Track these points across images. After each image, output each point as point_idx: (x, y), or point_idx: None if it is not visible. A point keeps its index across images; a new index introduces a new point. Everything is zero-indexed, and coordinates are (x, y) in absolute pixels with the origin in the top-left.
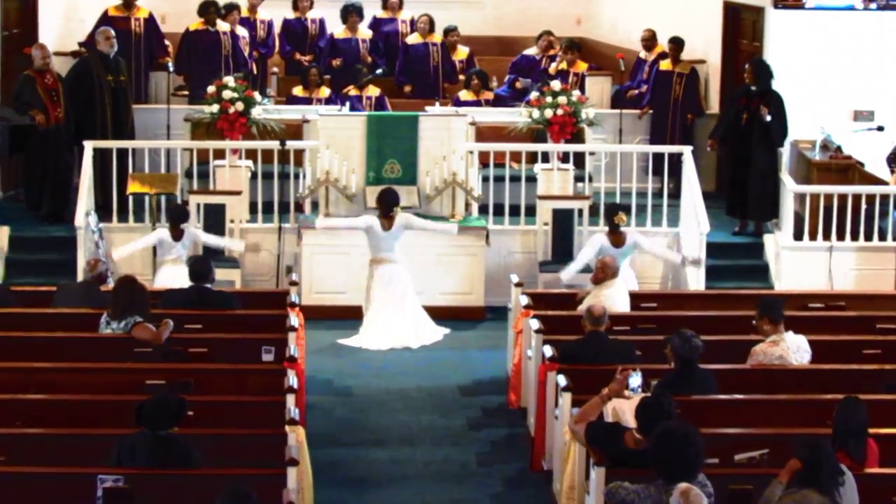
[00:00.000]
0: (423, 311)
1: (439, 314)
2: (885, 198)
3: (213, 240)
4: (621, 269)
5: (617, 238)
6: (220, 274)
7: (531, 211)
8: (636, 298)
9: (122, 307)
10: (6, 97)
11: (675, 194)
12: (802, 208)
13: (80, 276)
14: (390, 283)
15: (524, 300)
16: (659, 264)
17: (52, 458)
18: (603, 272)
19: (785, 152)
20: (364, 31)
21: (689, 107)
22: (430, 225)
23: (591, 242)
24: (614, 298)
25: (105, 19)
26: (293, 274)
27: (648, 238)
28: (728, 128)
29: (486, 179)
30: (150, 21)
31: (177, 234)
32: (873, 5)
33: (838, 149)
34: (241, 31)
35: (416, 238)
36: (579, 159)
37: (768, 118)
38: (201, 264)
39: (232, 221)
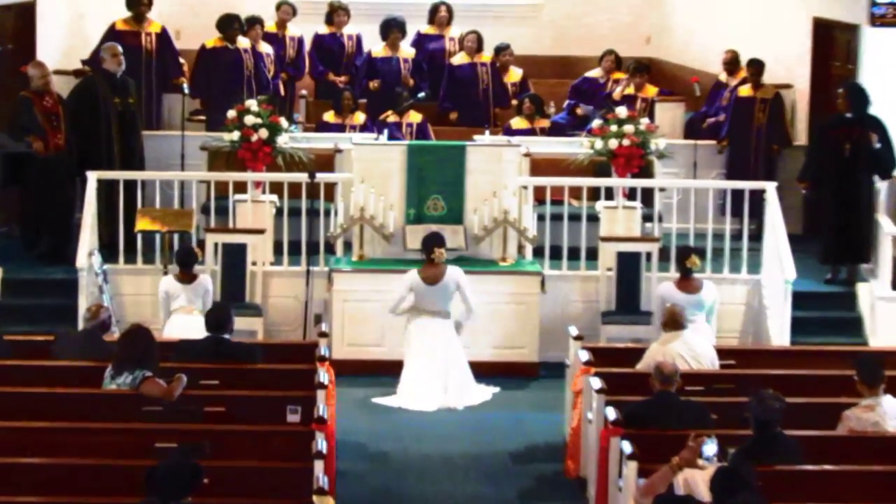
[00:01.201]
0: (469, 367)
1: (487, 370)
2: None
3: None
4: (697, 323)
5: (688, 285)
6: (241, 322)
7: (592, 254)
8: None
9: (128, 359)
10: (0, 122)
11: (757, 237)
12: None
13: (81, 324)
14: (432, 334)
15: (584, 355)
16: (738, 314)
17: None
18: (672, 321)
19: (882, 189)
20: (406, 50)
21: (774, 137)
22: (467, 299)
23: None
24: (695, 350)
25: (112, 34)
26: (323, 323)
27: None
28: (822, 164)
29: (541, 218)
30: (163, 36)
31: (186, 279)
32: None
33: None
34: (266, 49)
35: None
36: (647, 196)
37: (878, 145)
38: (220, 312)
39: (254, 264)
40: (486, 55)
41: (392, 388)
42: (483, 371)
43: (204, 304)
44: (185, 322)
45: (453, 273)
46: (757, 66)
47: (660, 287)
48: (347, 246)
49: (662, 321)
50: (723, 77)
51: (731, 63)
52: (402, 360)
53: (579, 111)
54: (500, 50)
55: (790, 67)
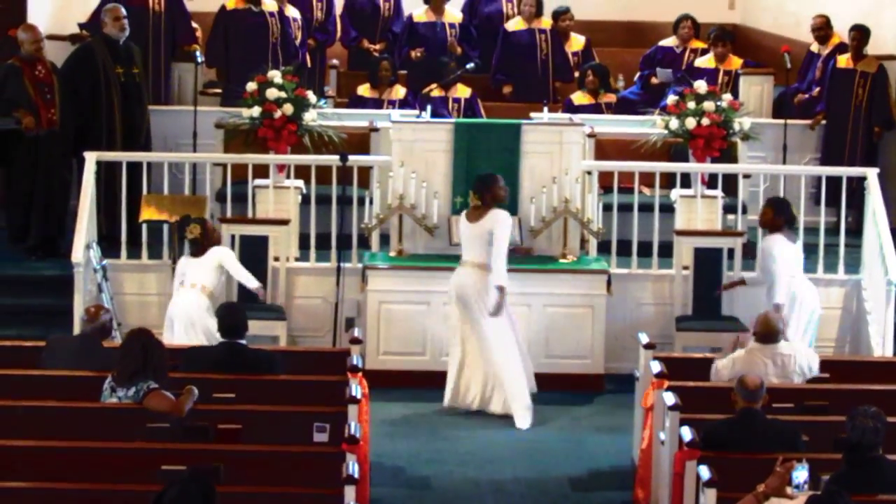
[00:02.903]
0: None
1: (546, 384)
2: None
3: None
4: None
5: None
6: (259, 327)
7: (666, 251)
8: None
9: (131, 369)
10: None
11: (856, 231)
12: None
13: (77, 328)
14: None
15: (656, 367)
16: (834, 320)
17: None
18: (766, 329)
19: None
20: (453, 13)
21: (876, 117)
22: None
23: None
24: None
25: None
26: (355, 328)
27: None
28: None
29: (607, 209)
30: None
31: (200, 254)
32: None
33: None
34: (293, 12)
35: (514, 285)
36: (730, 184)
37: None
38: (234, 314)
39: (276, 259)
40: (546, 20)
41: (435, 405)
42: (540, 384)
43: (219, 281)
44: (178, 301)
45: (494, 216)
46: (860, 34)
47: (766, 240)
48: (384, 239)
49: (754, 329)
50: (815, 47)
51: (822, 29)
52: (446, 371)
53: (655, 80)
54: (559, 14)
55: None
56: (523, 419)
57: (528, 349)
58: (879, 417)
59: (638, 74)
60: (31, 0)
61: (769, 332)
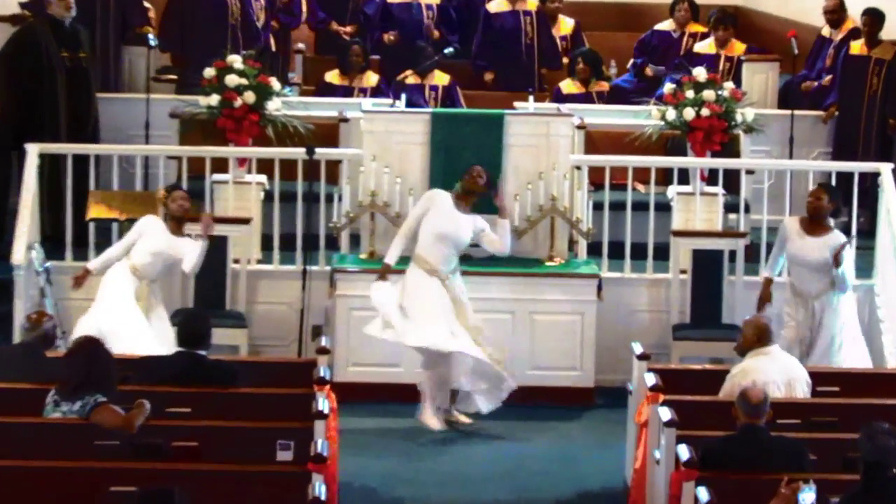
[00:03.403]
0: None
1: (531, 397)
2: None
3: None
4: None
5: (815, 227)
6: (218, 335)
7: (662, 253)
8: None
9: (77, 381)
10: None
11: (869, 232)
12: None
13: (17, 336)
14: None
15: (651, 379)
16: None
17: None
18: (756, 336)
19: None
20: None
21: (891, 107)
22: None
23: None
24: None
25: None
26: (323, 337)
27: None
28: None
29: (598, 207)
30: None
31: (179, 232)
32: None
33: None
34: None
35: (497, 290)
36: (732, 180)
37: None
38: (193, 322)
39: (237, 262)
40: (533, 2)
41: (412, 418)
42: (526, 398)
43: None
44: (117, 277)
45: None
46: (874, 18)
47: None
48: (355, 240)
49: (744, 331)
50: (826, 31)
51: (835, 12)
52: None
53: (648, 72)
54: None
55: None
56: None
57: (512, 360)
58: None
59: (631, 62)
60: None
61: (763, 335)
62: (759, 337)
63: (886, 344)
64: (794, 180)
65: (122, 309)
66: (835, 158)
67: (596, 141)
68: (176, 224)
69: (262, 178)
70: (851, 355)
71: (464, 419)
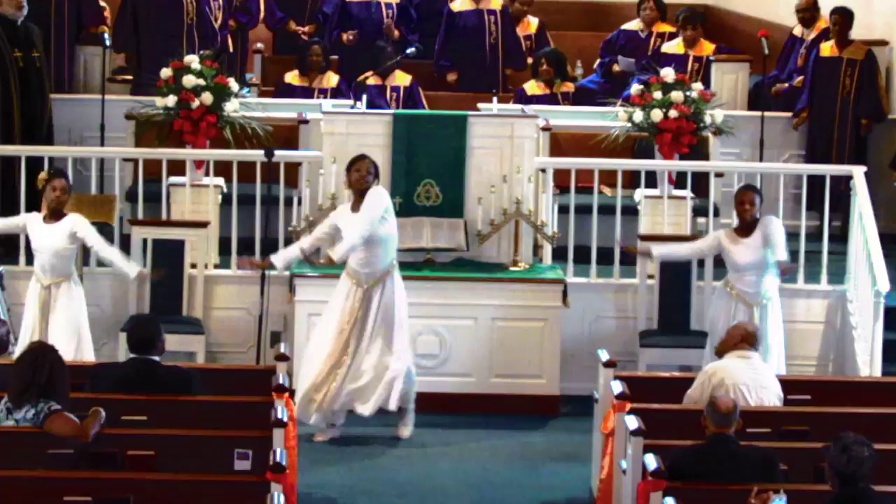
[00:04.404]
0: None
1: (495, 407)
2: None
3: (108, 254)
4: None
5: (743, 231)
6: (174, 341)
7: (629, 258)
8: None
9: (30, 388)
10: None
11: (842, 236)
12: None
13: None
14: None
15: (617, 387)
16: (815, 336)
17: None
18: (742, 337)
19: None
20: None
21: (864, 107)
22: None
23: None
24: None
25: None
26: (282, 343)
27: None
28: None
29: (564, 210)
30: None
31: (54, 220)
32: None
33: None
34: None
35: (459, 296)
36: (701, 183)
37: None
38: (145, 327)
39: (194, 266)
40: (497, 0)
41: (372, 428)
42: (488, 408)
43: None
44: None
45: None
46: (842, 18)
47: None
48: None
49: (728, 340)
50: (798, 30)
51: (808, 11)
52: None
53: (616, 68)
54: None
55: (886, 20)
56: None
57: (475, 367)
58: (869, 445)
59: (598, 61)
60: None
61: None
62: (744, 338)
63: (859, 351)
64: (764, 183)
65: None
66: (808, 161)
67: (561, 143)
68: (51, 215)
69: (220, 180)
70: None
71: (403, 433)
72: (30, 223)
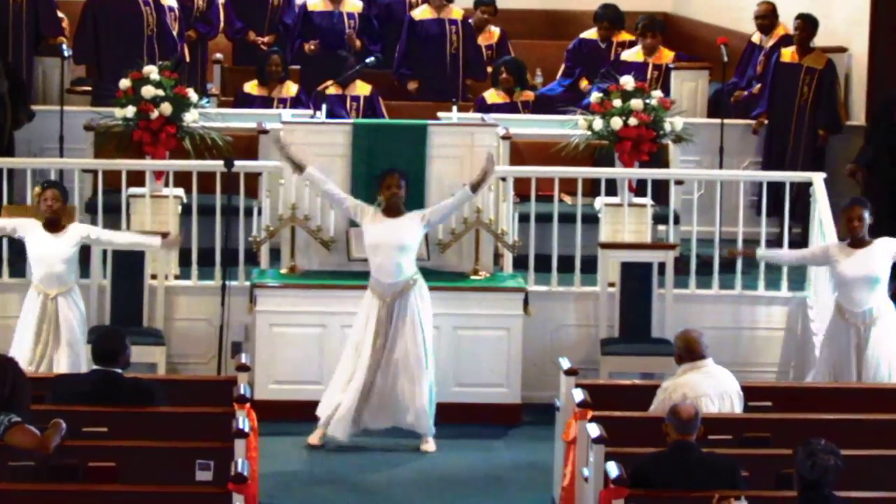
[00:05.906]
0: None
1: (456, 416)
2: None
3: (122, 238)
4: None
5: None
6: (134, 353)
7: (590, 265)
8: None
9: None
10: None
11: (801, 243)
12: None
13: None
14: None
15: (579, 395)
16: (776, 342)
17: None
18: (686, 348)
19: None
20: (352, 2)
21: (822, 118)
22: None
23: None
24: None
25: None
26: (243, 354)
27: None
28: (880, 149)
29: (524, 219)
30: None
31: (55, 230)
32: None
33: None
34: (170, 1)
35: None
36: (661, 191)
37: None
38: (110, 339)
39: (154, 277)
40: (457, 10)
41: (334, 438)
42: (452, 416)
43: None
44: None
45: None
46: (807, 23)
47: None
48: (275, 255)
49: (676, 353)
50: (756, 37)
51: (766, 17)
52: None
53: (584, 83)
54: (481, 3)
55: (846, 28)
56: None
57: (437, 376)
58: (836, 452)
59: (563, 67)
60: None
61: (692, 348)
62: (688, 350)
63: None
64: (724, 190)
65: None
66: (765, 168)
67: (521, 151)
68: (50, 225)
69: (180, 191)
70: None
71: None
72: (28, 229)
